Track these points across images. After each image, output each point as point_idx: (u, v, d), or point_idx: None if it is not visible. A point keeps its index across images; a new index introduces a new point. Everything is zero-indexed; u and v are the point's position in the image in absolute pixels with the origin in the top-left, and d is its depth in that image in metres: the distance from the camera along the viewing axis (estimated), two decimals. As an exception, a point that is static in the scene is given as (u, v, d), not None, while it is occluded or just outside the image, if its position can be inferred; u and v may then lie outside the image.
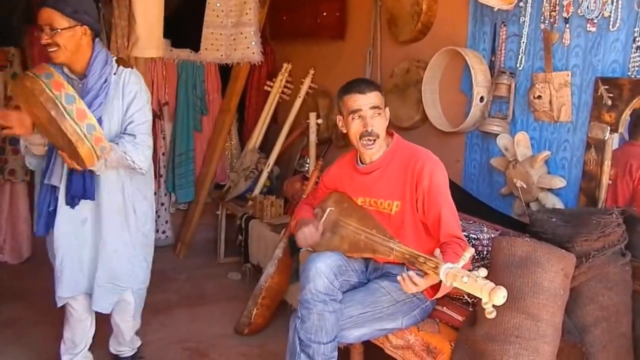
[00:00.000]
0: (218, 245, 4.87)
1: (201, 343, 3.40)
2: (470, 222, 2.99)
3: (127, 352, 3.06)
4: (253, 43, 4.65)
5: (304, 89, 4.71)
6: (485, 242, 2.68)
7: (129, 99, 2.62)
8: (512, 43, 3.00)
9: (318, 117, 4.38)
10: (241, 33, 4.65)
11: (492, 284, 1.77)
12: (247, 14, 4.63)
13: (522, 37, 2.92)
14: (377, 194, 2.53)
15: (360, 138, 2.46)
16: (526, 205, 2.82)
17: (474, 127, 3.20)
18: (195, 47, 4.69)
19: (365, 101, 2.43)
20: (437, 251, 2.05)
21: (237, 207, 4.61)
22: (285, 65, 4.93)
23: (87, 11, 2.51)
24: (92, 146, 2.33)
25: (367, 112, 2.43)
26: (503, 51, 3.05)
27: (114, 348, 3.06)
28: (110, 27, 4.28)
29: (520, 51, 2.93)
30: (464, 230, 2.67)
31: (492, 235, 2.68)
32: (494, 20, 3.09)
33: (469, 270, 1.88)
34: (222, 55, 4.71)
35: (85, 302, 2.80)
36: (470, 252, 1.94)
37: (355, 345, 2.69)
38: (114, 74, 2.61)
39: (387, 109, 2.53)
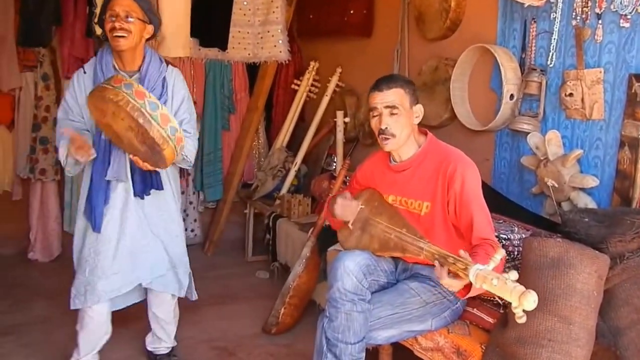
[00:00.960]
0: (246, 243, 4.88)
1: (229, 342, 3.40)
2: (500, 221, 2.94)
3: (164, 349, 3.08)
4: (280, 41, 4.65)
5: (331, 87, 4.69)
6: (515, 242, 2.64)
7: (179, 97, 2.75)
8: (543, 40, 2.95)
9: (345, 115, 4.36)
10: (268, 31, 4.66)
11: (522, 288, 1.73)
12: (274, 12, 4.63)
13: (553, 33, 2.86)
14: (407, 194, 2.50)
15: (378, 135, 2.46)
16: (557, 204, 2.77)
17: (504, 126, 3.15)
18: (223, 46, 4.69)
19: (382, 99, 2.42)
20: (462, 251, 2.00)
21: (265, 206, 4.62)
22: (312, 63, 4.91)
23: (155, 15, 2.70)
24: (175, 147, 2.43)
25: (382, 110, 2.42)
26: (533, 48, 3.00)
27: (152, 346, 3.08)
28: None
29: (551, 48, 2.87)
30: (494, 231, 2.64)
31: (523, 236, 2.64)
32: (524, 16, 3.04)
33: (501, 273, 1.85)
34: (249, 54, 4.72)
35: (107, 306, 2.80)
36: (501, 253, 1.88)
37: (383, 346, 2.67)
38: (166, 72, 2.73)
39: (418, 106, 2.49)
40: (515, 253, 2.61)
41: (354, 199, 2.65)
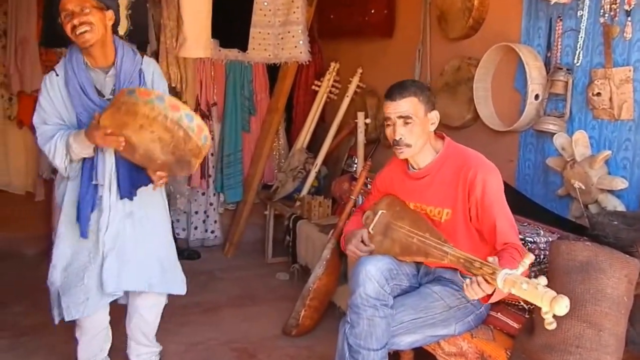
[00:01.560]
0: (266, 245, 4.84)
1: (249, 344, 3.35)
2: (525, 224, 2.87)
3: (152, 354, 2.95)
4: (301, 42, 4.61)
5: (352, 88, 4.62)
6: (542, 245, 2.55)
7: (160, 89, 2.61)
8: (569, 38, 2.86)
9: (366, 116, 4.29)
10: (289, 32, 4.62)
11: (553, 292, 1.66)
12: (294, 12, 4.59)
13: (579, 31, 2.77)
14: (427, 201, 2.44)
15: (392, 145, 2.40)
16: (585, 207, 2.68)
17: (528, 126, 3.07)
18: (243, 47, 4.65)
19: (395, 109, 2.35)
20: (491, 258, 1.93)
21: (285, 207, 4.57)
22: (332, 64, 4.85)
23: None
24: (204, 154, 2.39)
25: (396, 120, 2.35)
26: (559, 47, 2.91)
27: (135, 355, 2.92)
28: (160, 29, 4.28)
29: (578, 46, 2.79)
30: (519, 234, 2.56)
31: (549, 239, 2.56)
32: (549, 14, 2.95)
33: (528, 277, 1.78)
34: (269, 55, 4.68)
35: (104, 313, 2.72)
36: (530, 258, 1.81)
37: (405, 352, 2.62)
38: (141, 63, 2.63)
39: (434, 113, 2.41)
40: (542, 257, 2.53)
41: (374, 209, 2.60)
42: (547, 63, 2.96)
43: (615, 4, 2.61)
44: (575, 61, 2.80)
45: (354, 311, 2.28)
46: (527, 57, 2.95)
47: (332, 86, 4.81)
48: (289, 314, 3.50)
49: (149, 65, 2.66)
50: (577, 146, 2.68)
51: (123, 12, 3.79)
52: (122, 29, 3.81)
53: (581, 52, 2.78)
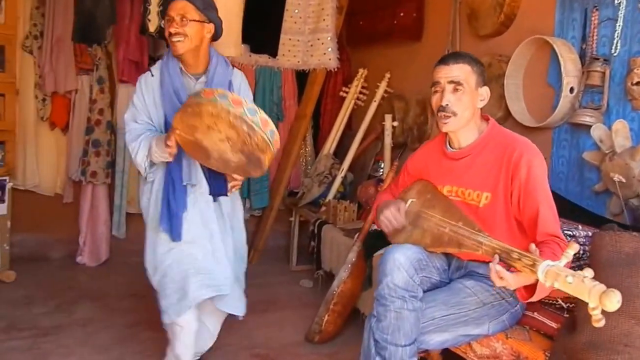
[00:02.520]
0: (290, 252, 4.64)
1: (271, 350, 3.15)
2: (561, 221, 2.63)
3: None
4: (330, 49, 4.45)
5: (380, 93, 4.44)
6: (581, 240, 2.30)
7: (237, 90, 2.58)
8: (606, 28, 2.64)
9: (394, 119, 4.10)
10: (318, 39, 4.47)
11: (602, 286, 1.45)
12: (324, 20, 4.44)
13: (617, 20, 2.55)
14: (465, 184, 2.19)
15: (437, 112, 2.16)
16: (624, 202, 2.43)
17: (562, 121, 2.84)
18: (273, 53, 4.55)
19: (446, 73, 2.13)
20: (533, 246, 1.70)
21: (310, 212, 4.37)
22: (361, 70, 4.68)
23: (215, 11, 2.53)
24: (273, 150, 2.27)
25: (445, 85, 2.12)
26: (595, 37, 2.69)
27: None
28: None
29: (616, 35, 2.57)
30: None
31: (589, 233, 2.31)
32: (584, 5, 2.74)
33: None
34: (299, 62, 4.53)
35: (196, 315, 2.58)
36: (574, 248, 1.57)
37: (433, 353, 2.37)
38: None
39: (485, 88, 2.18)
40: (581, 252, 2.27)
41: (403, 197, 2.37)
42: (582, 55, 2.74)
43: (656, -12, 2.40)
44: (613, 51, 2.58)
45: (381, 303, 2.05)
46: (562, 49, 2.74)
47: (360, 92, 4.64)
48: (312, 321, 3.30)
49: (237, 77, 2.62)
50: (617, 137, 2.44)
51: (155, 9, 3.71)
52: (152, 26, 3.73)
53: (619, 41, 2.56)
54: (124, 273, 4.19)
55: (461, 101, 2.12)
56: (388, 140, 4.05)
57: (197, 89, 2.37)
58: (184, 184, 2.46)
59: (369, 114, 4.45)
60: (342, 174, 4.37)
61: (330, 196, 4.34)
